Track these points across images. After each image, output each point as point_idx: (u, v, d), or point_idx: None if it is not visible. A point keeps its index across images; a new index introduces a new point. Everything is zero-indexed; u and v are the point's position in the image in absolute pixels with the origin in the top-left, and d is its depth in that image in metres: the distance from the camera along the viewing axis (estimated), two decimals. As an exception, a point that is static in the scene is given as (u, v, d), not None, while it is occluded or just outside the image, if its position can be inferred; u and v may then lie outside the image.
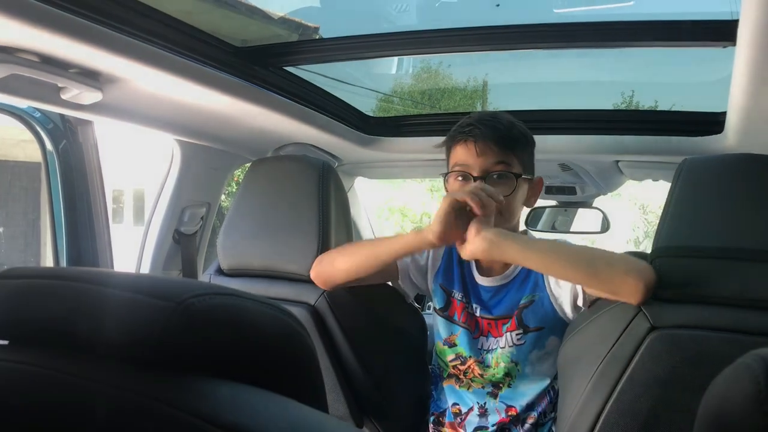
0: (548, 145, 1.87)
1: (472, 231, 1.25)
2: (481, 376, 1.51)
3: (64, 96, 1.33)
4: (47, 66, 1.20)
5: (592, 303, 1.35)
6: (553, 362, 1.48)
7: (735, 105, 1.38)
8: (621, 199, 11.64)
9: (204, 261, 2.18)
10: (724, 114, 1.59)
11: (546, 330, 1.47)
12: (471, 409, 1.53)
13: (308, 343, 0.58)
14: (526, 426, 1.49)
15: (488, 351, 1.51)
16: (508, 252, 1.25)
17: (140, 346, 0.48)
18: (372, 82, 2.77)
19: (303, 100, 1.74)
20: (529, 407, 1.50)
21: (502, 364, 1.49)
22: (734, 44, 1.15)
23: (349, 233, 1.60)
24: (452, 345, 1.55)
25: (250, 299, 0.55)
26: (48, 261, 2.06)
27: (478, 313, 1.52)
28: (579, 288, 1.38)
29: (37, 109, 1.74)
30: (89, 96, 1.34)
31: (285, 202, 1.52)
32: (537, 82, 3.16)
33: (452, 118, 2.28)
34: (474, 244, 1.24)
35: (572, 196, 2.51)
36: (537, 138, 1.52)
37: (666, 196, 1.25)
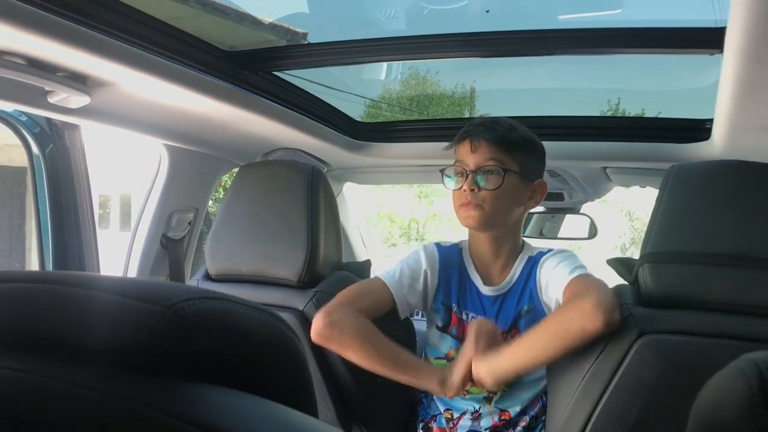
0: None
1: (476, 374, 1.32)
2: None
3: (52, 99, 1.32)
4: (34, 69, 1.19)
5: None
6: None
7: (722, 112, 1.39)
8: (607, 206, 11.71)
9: (191, 266, 2.17)
10: (710, 121, 1.60)
11: None
12: (464, 413, 1.53)
13: (299, 348, 0.58)
14: (518, 429, 1.49)
15: None
16: (504, 374, 1.29)
17: (129, 351, 0.48)
18: (361, 88, 2.77)
19: (292, 104, 1.74)
20: (523, 411, 1.51)
21: None
22: (721, 52, 1.16)
23: (338, 239, 1.59)
24: (450, 360, 1.53)
25: (241, 304, 0.54)
26: (33, 266, 2.03)
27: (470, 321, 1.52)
28: (561, 299, 1.39)
29: (24, 113, 1.73)
30: (77, 100, 1.33)
31: (274, 208, 1.52)
32: (524, 89, 3.18)
33: (441, 124, 2.30)
34: (491, 387, 1.36)
35: (560, 202, 2.52)
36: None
37: (653, 203, 1.26)
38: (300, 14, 2.15)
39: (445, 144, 1.57)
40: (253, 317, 0.55)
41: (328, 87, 2.08)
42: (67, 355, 0.50)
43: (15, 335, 0.55)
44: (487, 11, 2.09)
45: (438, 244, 1.60)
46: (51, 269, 1.79)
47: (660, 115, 2.41)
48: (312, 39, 1.91)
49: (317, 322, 1.37)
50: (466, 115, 6.05)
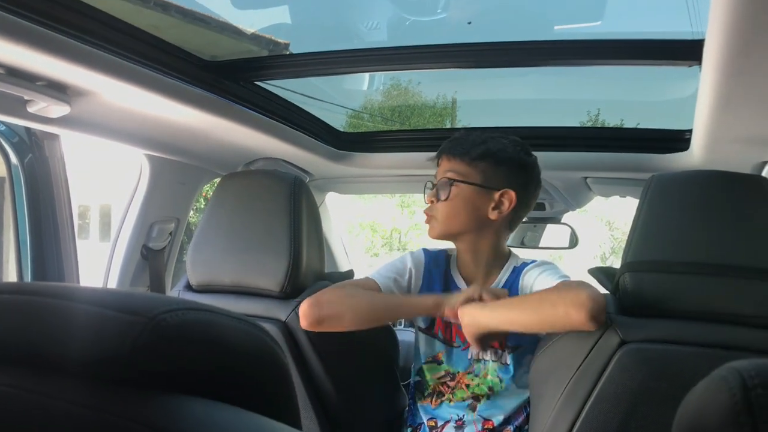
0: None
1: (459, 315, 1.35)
2: (467, 387, 1.52)
3: (31, 109, 1.31)
4: (13, 78, 1.18)
5: None
6: None
7: (700, 123, 1.41)
8: (588, 216, 11.79)
9: (172, 277, 2.15)
10: (689, 132, 1.62)
11: (527, 348, 1.49)
12: (448, 421, 1.53)
13: (282, 360, 0.57)
14: None
15: (479, 360, 1.53)
16: (482, 320, 1.31)
17: (110, 363, 0.47)
18: (343, 98, 2.77)
19: (274, 114, 1.73)
20: (506, 421, 1.51)
21: (490, 377, 1.51)
22: (700, 64, 1.18)
23: (320, 249, 1.59)
24: (440, 362, 1.56)
25: (223, 315, 0.54)
26: (11, 278, 2.00)
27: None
28: None
29: (2, 122, 1.71)
30: (56, 109, 1.31)
31: (256, 217, 1.51)
32: (505, 100, 3.19)
33: (423, 134, 2.30)
34: (465, 329, 1.34)
35: (541, 212, 2.54)
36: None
37: (633, 213, 1.27)
38: (282, 25, 2.15)
39: (426, 154, 1.61)
40: (237, 328, 0.55)
41: (310, 97, 2.08)
42: (46, 367, 0.49)
43: (-7, 348, 0.54)
44: (469, 23, 2.11)
45: (425, 249, 1.63)
46: (30, 280, 1.76)
47: (639, 126, 2.43)
48: (294, 49, 1.92)
49: (304, 307, 1.37)
50: (448, 126, 6.08)
